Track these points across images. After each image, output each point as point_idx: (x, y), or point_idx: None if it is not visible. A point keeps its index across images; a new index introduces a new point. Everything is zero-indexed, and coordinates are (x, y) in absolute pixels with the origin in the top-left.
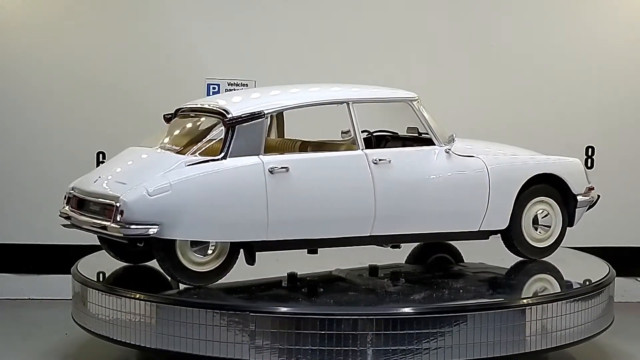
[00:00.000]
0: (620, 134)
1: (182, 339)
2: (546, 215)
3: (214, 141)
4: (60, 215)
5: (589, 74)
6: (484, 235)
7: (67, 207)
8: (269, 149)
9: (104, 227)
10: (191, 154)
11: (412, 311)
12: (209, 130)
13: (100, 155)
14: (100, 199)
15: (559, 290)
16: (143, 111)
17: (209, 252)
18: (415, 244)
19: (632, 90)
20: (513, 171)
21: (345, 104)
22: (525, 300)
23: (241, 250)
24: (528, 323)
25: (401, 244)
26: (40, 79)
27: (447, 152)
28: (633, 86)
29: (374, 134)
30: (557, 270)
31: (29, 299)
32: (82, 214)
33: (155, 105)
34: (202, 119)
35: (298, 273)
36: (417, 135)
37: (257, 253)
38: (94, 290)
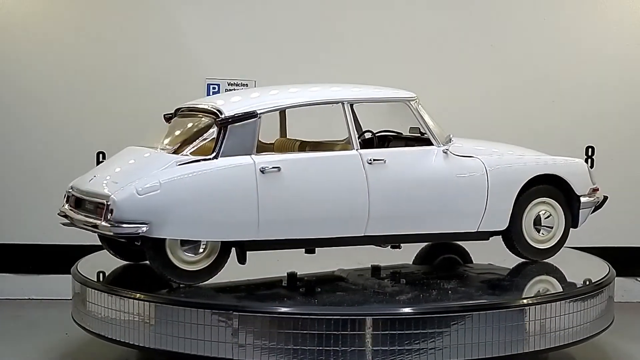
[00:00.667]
0: (620, 134)
1: (182, 339)
2: (548, 217)
3: (207, 141)
4: (58, 214)
5: (590, 74)
6: (483, 236)
7: (66, 206)
8: (269, 148)
9: (95, 226)
10: (183, 154)
11: (412, 311)
12: (203, 130)
13: (100, 155)
14: (93, 198)
15: (559, 290)
16: (143, 111)
17: (200, 251)
18: (423, 245)
19: (632, 91)
20: (513, 172)
21: (340, 104)
22: (525, 300)
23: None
24: (528, 323)
25: (401, 245)
26: (40, 79)
27: (445, 153)
28: (633, 87)
29: (377, 134)
30: (559, 271)
31: (29, 299)
32: (78, 213)
33: (155, 105)
34: (199, 118)
35: (301, 273)
36: (419, 135)
37: (258, 253)
38: (93, 290)
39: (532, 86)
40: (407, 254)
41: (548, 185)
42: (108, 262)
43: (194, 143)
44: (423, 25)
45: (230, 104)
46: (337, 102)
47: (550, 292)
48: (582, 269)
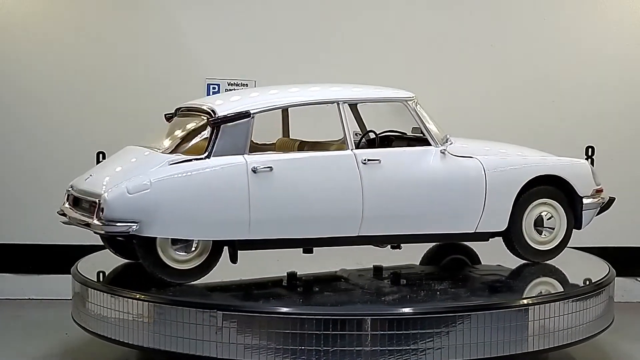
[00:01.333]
0: (620, 134)
1: (182, 339)
2: (550, 218)
3: (201, 140)
4: (58, 212)
5: (590, 74)
6: (482, 237)
7: (66, 204)
8: (271, 148)
9: (88, 224)
10: (176, 153)
11: (412, 311)
12: (199, 129)
13: (100, 155)
14: (88, 197)
15: (560, 290)
16: (143, 111)
17: (191, 250)
18: (430, 245)
19: (632, 91)
20: (512, 172)
21: (335, 103)
22: (525, 300)
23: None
24: (528, 323)
25: (401, 245)
26: (40, 79)
27: (443, 153)
28: (633, 87)
29: (381, 134)
30: (559, 271)
31: (29, 299)
32: (75, 211)
33: (155, 105)
34: (196, 118)
35: (304, 273)
36: (421, 135)
37: (259, 253)
38: (93, 290)
39: (532, 86)
40: (414, 255)
41: (550, 186)
42: (108, 262)
43: (188, 143)
44: (423, 25)
45: (224, 104)
46: (332, 102)
47: (551, 292)
48: (582, 269)
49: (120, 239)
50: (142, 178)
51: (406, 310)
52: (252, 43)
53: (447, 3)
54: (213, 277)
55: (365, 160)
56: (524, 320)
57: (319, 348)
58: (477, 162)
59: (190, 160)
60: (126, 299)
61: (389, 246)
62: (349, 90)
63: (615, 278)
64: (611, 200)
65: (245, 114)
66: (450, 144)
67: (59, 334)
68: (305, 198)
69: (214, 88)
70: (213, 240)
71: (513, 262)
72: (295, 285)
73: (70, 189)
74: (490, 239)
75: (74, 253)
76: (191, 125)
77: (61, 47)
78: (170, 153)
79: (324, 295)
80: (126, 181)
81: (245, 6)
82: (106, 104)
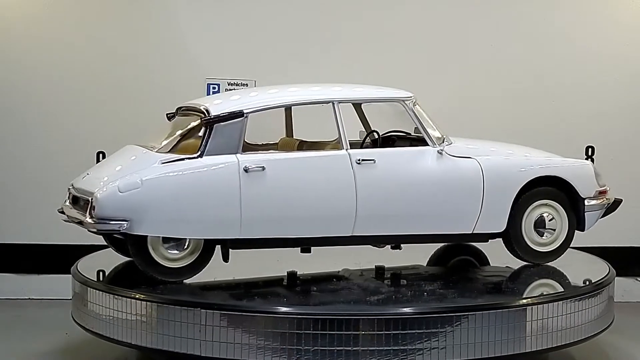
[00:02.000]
0: (620, 134)
1: (182, 339)
2: (552, 219)
3: (195, 140)
4: (58, 210)
5: (590, 74)
6: (480, 238)
7: (67, 202)
8: (272, 148)
9: (81, 222)
10: (169, 152)
11: (411, 311)
12: (194, 129)
13: (100, 155)
14: (83, 195)
15: (560, 290)
16: (143, 111)
17: (183, 248)
18: (438, 246)
19: (632, 91)
20: (510, 173)
21: (330, 103)
22: (525, 300)
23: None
24: (528, 323)
25: (402, 245)
26: (40, 79)
27: (440, 153)
28: (633, 87)
29: (385, 134)
30: (559, 271)
31: (29, 299)
32: (73, 209)
33: (155, 105)
34: (193, 117)
35: (306, 273)
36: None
37: (260, 252)
38: (94, 290)
39: (532, 86)
40: (423, 256)
41: (551, 187)
42: (108, 261)
43: (184, 142)
44: (423, 25)
45: (221, 104)
46: (327, 102)
47: (551, 292)
48: (582, 269)
49: (119, 237)
50: (134, 177)
51: (405, 310)
52: (252, 43)
53: (447, 3)
54: (213, 276)
55: (359, 160)
56: (524, 320)
57: (321, 348)
58: (474, 163)
59: (183, 159)
60: (126, 298)
61: (389, 247)
62: (345, 91)
63: (615, 278)
64: (617, 202)
65: (238, 114)
66: (449, 144)
67: (59, 333)
68: (298, 198)
69: (214, 88)
70: (204, 239)
71: (521, 263)
72: (296, 285)
73: (70, 187)
74: (490, 240)
75: (74, 253)
76: (188, 125)
77: (61, 47)
78: (165, 152)
79: (323, 295)
80: (118, 180)
81: (246, 6)
82: (106, 104)
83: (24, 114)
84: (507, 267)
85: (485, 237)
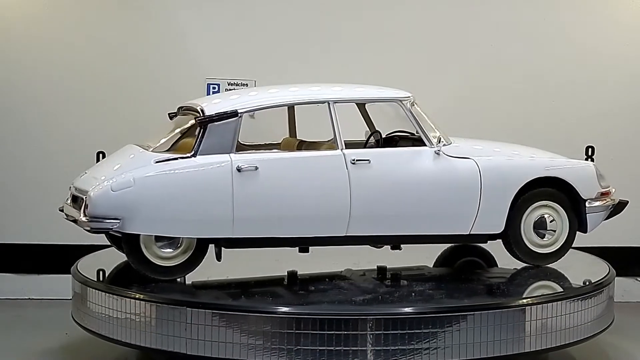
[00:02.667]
0: (620, 134)
1: (182, 339)
2: (552, 221)
3: (190, 139)
4: (59, 209)
5: (589, 74)
6: (478, 239)
7: (68, 201)
8: (270, 147)
9: (76, 220)
10: (163, 151)
11: (411, 311)
12: (190, 128)
13: (100, 155)
14: (79, 194)
15: (559, 290)
16: (143, 111)
17: (175, 247)
18: (445, 247)
19: (632, 91)
20: (509, 174)
21: (325, 103)
22: (525, 300)
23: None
24: (528, 323)
25: (402, 246)
26: (40, 79)
27: (437, 154)
28: (633, 87)
29: (390, 135)
30: (559, 271)
31: (29, 299)
32: (71, 207)
33: (155, 105)
34: (190, 117)
35: (308, 272)
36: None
37: (260, 252)
38: (94, 290)
39: (532, 86)
40: (429, 256)
41: (551, 188)
42: (108, 261)
43: (180, 141)
44: (423, 25)
45: (217, 103)
46: (322, 102)
47: (551, 292)
48: (582, 269)
49: (119, 235)
50: (127, 176)
51: (406, 310)
52: (252, 43)
53: (447, 3)
54: (213, 276)
55: (354, 160)
56: (523, 320)
57: (321, 348)
58: (472, 164)
59: (176, 158)
60: (126, 298)
61: (390, 247)
62: (342, 91)
63: (615, 278)
64: (623, 204)
65: (232, 114)
66: (448, 144)
67: (59, 333)
68: (290, 197)
69: (214, 88)
70: (197, 238)
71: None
72: (296, 285)
73: (71, 186)
74: (489, 241)
75: (74, 253)
76: (186, 124)
77: (61, 47)
78: (161, 151)
79: (323, 295)
80: (112, 179)
81: (246, 6)
82: (106, 104)
83: (24, 114)
84: (514, 268)
85: (483, 238)
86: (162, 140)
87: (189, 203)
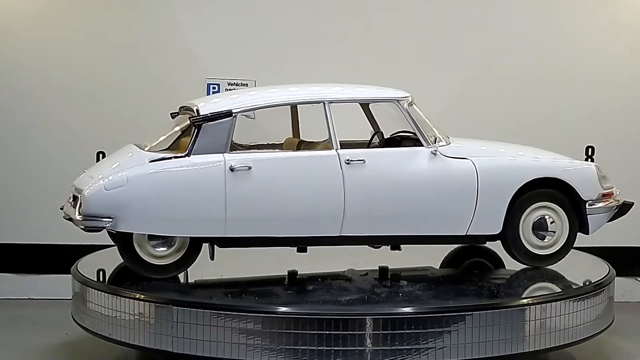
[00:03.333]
0: (620, 134)
1: (182, 339)
2: (552, 222)
3: (186, 139)
4: (60, 208)
5: (590, 74)
6: (475, 240)
7: (70, 200)
8: (272, 147)
9: (71, 219)
10: (162, 151)
11: (411, 311)
12: (187, 128)
13: (100, 155)
14: (77, 193)
15: (560, 290)
16: (143, 111)
17: (169, 245)
18: (452, 247)
19: (632, 91)
20: (507, 174)
21: (321, 103)
22: (525, 300)
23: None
24: (528, 323)
25: (401, 246)
26: (40, 79)
27: (433, 154)
28: (633, 86)
29: (393, 135)
30: (559, 271)
31: (29, 299)
32: (70, 206)
33: (155, 105)
34: (187, 117)
35: (310, 272)
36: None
37: (260, 252)
38: (94, 290)
39: (532, 86)
40: (430, 256)
41: (551, 189)
42: (108, 261)
43: (176, 141)
44: (423, 25)
45: (212, 103)
46: (317, 102)
47: (550, 292)
48: (582, 269)
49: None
50: (121, 175)
51: (406, 310)
52: (252, 43)
53: (448, 3)
54: (213, 276)
55: (348, 160)
56: (524, 320)
57: (321, 348)
58: (469, 164)
59: (170, 158)
60: (126, 298)
61: (389, 248)
62: (339, 91)
63: (615, 278)
64: (628, 205)
65: (227, 113)
66: (446, 144)
67: (59, 333)
68: (284, 197)
69: (214, 88)
70: (190, 237)
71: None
72: (296, 285)
73: (72, 185)
74: (487, 242)
75: (74, 253)
76: (183, 124)
77: (61, 47)
78: (157, 151)
79: (322, 295)
80: (107, 178)
81: (246, 6)
82: (106, 104)
83: (24, 114)
84: (520, 270)
85: (481, 239)
86: (160, 140)
87: (181, 202)
